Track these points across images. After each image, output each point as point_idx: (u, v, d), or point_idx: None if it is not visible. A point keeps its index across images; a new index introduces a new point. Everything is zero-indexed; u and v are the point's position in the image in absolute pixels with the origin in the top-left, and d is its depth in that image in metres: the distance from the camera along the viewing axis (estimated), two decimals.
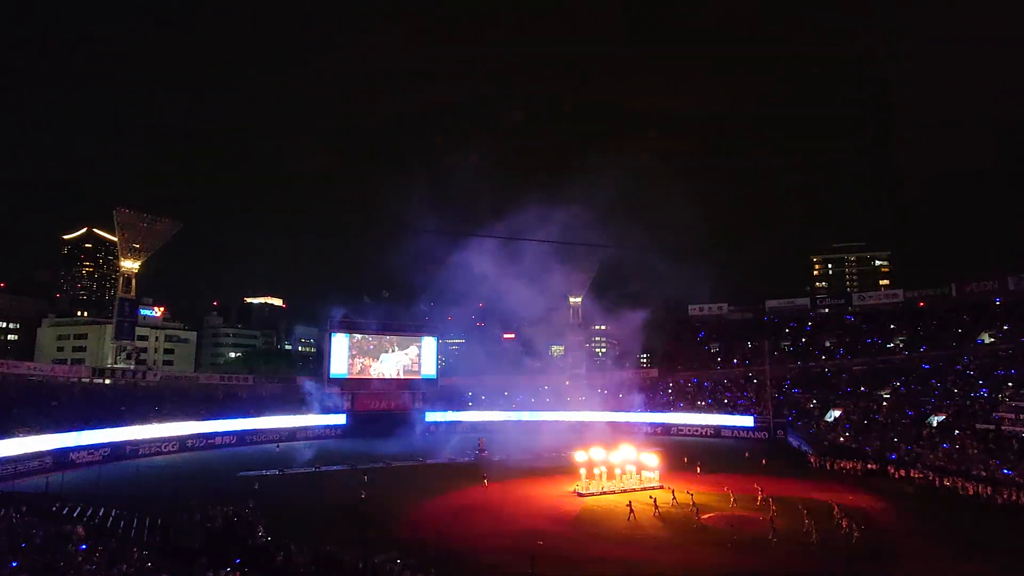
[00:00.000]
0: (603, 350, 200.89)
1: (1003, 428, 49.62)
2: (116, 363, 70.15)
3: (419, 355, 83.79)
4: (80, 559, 19.52)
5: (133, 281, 72.51)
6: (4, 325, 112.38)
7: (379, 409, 77.28)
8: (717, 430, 71.69)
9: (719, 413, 74.30)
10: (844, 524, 30.77)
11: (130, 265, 71.64)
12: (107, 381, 65.90)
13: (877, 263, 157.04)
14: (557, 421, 76.31)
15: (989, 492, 40.08)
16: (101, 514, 31.69)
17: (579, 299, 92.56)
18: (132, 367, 71.23)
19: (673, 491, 38.47)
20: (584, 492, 41.02)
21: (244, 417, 67.85)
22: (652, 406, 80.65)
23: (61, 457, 48.34)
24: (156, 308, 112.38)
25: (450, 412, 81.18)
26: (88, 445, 51.99)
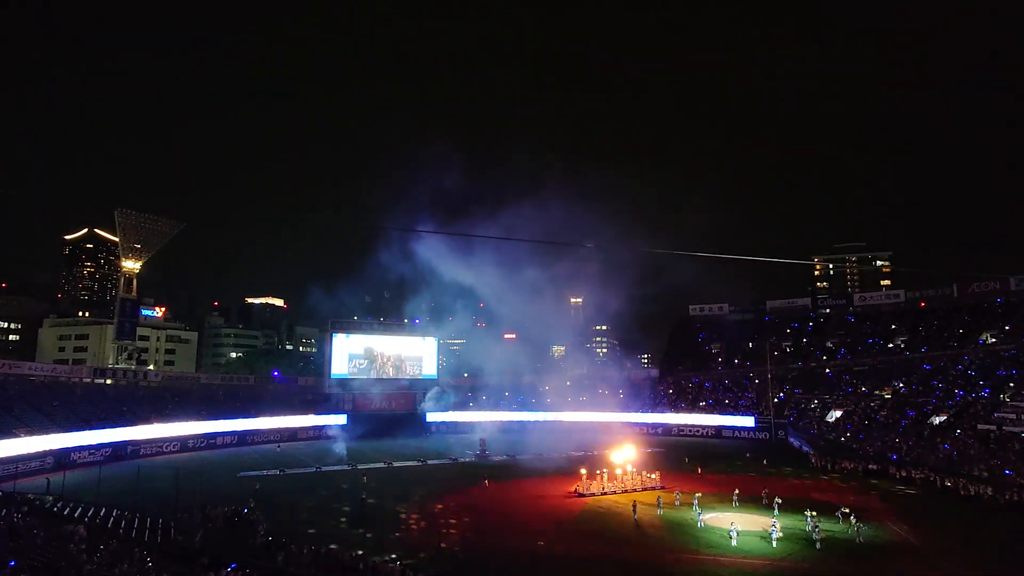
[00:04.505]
0: (604, 350, 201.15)
1: (1004, 428, 49.59)
2: (117, 363, 70.29)
3: (420, 355, 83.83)
4: (82, 559, 19.52)
5: (134, 281, 72.69)
6: (5, 325, 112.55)
7: (380, 409, 77.36)
8: (718, 430, 71.63)
9: (720, 414, 74.24)
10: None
11: (131, 265, 71.77)
12: (108, 381, 65.97)
13: (878, 263, 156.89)
14: (558, 421, 76.34)
15: (990, 492, 40.05)
16: (102, 514, 31.73)
17: (580, 299, 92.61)
18: (133, 367, 71.36)
19: (676, 492, 38.52)
20: (585, 492, 40.99)
21: (245, 417, 67.91)
22: (653, 406, 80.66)
23: (62, 457, 48.35)
24: (157, 308, 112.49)
25: (451, 412, 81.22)
26: (89, 445, 52.03)
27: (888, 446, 54.51)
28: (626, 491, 40.94)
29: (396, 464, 54.52)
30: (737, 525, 30.73)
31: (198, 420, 63.38)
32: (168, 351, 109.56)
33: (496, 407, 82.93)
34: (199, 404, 68.15)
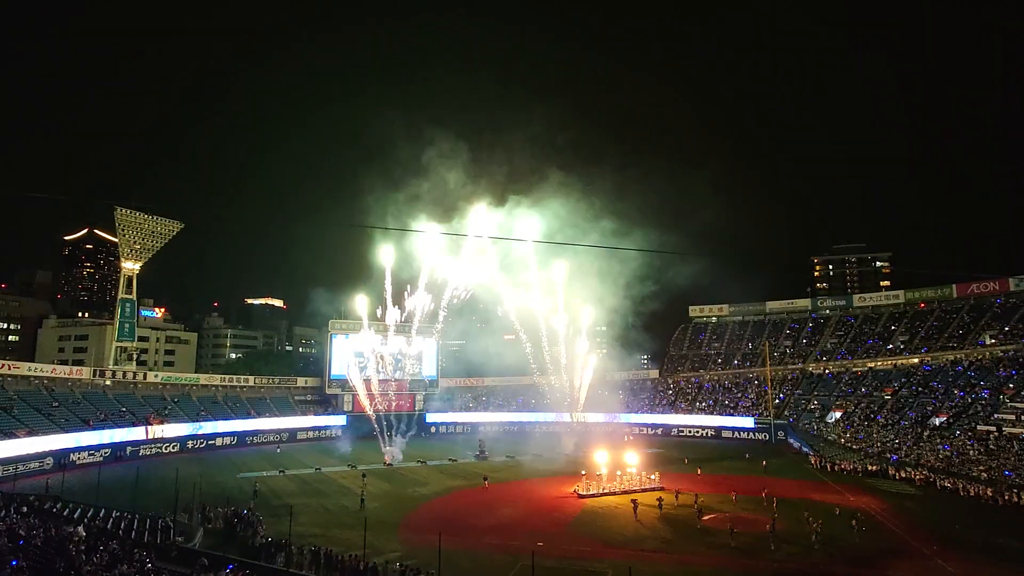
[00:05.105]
0: (603, 351, 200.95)
1: (1004, 430, 49.61)
2: (117, 364, 70.17)
3: (420, 356, 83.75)
4: (81, 559, 19.50)
5: (134, 282, 72.57)
6: (5, 326, 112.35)
7: (380, 410, 77.23)
8: (718, 431, 71.64)
9: (720, 414, 74.24)
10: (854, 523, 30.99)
11: (131, 266, 71.68)
12: (108, 382, 65.96)
13: (878, 264, 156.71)
14: (558, 422, 76.27)
15: (990, 493, 40.06)
16: (102, 515, 31.74)
17: (579, 299, 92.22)
18: (133, 368, 71.27)
19: (676, 492, 38.54)
20: (584, 493, 41.00)
21: (244, 418, 68.01)
22: (653, 407, 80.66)
23: (62, 457, 48.45)
24: (157, 309, 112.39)
25: (451, 413, 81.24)
26: (89, 446, 52.11)
27: (888, 446, 54.52)
28: (626, 491, 40.95)
29: (396, 465, 54.58)
30: (736, 526, 30.76)
31: (197, 421, 63.43)
32: (168, 352, 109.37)
33: (496, 408, 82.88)
34: (198, 405, 68.26)
